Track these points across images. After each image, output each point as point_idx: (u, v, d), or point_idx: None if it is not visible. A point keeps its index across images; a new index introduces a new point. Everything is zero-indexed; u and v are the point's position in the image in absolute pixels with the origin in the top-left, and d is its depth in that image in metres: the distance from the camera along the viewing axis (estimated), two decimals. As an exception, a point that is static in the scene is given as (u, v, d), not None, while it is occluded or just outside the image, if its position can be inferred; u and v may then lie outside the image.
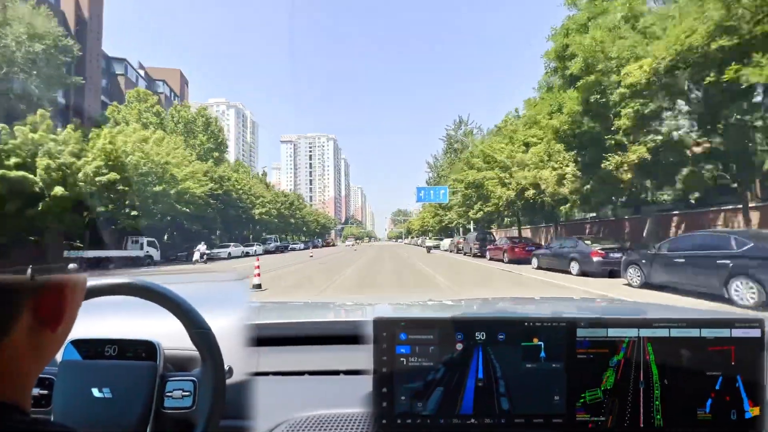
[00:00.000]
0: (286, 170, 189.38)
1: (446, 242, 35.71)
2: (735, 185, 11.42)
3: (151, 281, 0.73)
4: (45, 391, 0.75)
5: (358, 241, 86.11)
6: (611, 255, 11.20)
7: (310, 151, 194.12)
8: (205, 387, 0.72)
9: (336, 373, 0.94)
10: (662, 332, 0.77)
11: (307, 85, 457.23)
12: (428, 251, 31.76)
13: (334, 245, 55.20)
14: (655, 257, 8.68)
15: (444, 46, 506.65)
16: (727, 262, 6.86)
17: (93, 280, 0.70)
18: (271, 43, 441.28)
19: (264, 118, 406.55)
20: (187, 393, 0.77)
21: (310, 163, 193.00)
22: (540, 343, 0.77)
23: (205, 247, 26.03)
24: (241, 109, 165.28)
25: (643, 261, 9.04)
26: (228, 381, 0.77)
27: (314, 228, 76.79)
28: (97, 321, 0.86)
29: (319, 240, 69.89)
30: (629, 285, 9.36)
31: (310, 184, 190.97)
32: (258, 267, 9.93)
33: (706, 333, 0.78)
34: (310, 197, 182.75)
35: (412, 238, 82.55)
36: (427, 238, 47.36)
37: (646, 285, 8.87)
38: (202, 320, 0.73)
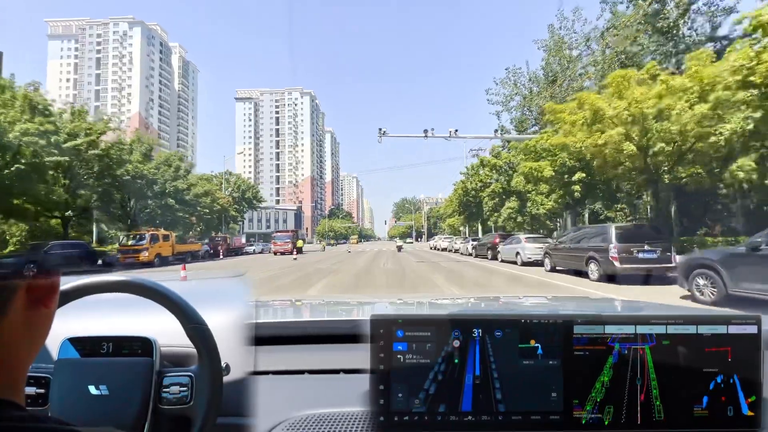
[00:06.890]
0: (243, 139, 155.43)
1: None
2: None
3: (145, 278, 0.84)
4: (41, 390, 0.84)
5: (330, 243, 49.80)
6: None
7: (277, 113, 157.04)
8: (202, 382, 0.83)
9: (336, 371, 1.06)
10: (659, 329, 0.89)
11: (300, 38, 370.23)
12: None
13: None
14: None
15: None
16: None
17: (89, 278, 0.80)
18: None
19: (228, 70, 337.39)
20: (184, 388, 0.86)
21: (277, 129, 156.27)
22: (537, 343, 0.89)
23: None
24: (158, 34, 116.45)
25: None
26: (228, 380, 0.88)
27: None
28: (94, 319, 0.97)
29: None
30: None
31: (277, 159, 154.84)
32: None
33: (703, 330, 0.89)
34: (277, 177, 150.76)
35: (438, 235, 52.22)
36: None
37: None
38: (198, 315, 0.83)
